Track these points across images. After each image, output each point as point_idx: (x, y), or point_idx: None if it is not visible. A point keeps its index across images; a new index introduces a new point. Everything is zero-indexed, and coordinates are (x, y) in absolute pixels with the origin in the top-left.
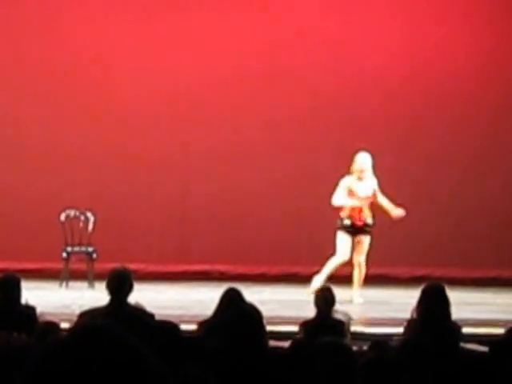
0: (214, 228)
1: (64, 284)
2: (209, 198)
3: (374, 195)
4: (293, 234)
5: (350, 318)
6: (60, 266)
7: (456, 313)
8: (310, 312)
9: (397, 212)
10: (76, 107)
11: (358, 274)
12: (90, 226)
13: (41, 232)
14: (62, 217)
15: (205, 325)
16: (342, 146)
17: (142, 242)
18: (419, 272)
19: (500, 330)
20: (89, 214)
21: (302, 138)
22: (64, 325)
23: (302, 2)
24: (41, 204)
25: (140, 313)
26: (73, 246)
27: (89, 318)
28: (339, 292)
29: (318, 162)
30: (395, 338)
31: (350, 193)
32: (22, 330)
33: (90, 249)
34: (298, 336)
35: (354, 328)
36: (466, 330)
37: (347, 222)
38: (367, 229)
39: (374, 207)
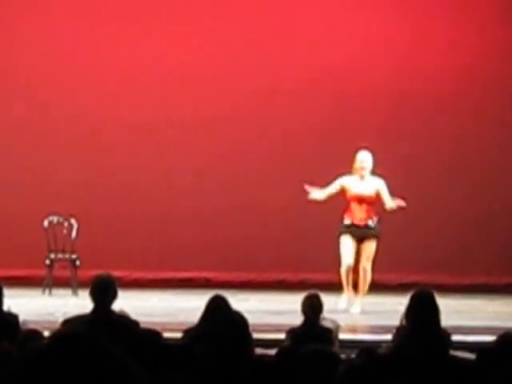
0: (199, 235)
1: (47, 291)
2: (194, 205)
3: (377, 195)
4: (279, 242)
5: (337, 326)
6: (43, 273)
7: (445, 320)
8: (297, 319)
9: (390, 204)
10: (59, 114)
11: (362, 281)
12: (74, 233)
13: (24, 238)
14: (45, 223)
15: (190, 333)
16: (330, 150)
17: (127, 248)
18: (408, 279)
19: (490, 338)
20: (72, 221)
21: (287, 150)
22: (47, 333)
23: (296, 11)
24: (24, 210)
25: (124, 320)
26: (56, 252)
27: (72, 325)
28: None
29: (304, 169)
30: (384, 345)
31: (343, 191)
32: (4, 337)
33: (74, 256)
34: (285, 344)
35: (342, 335)
36: (455, 337)
37: (347, 221)
38: (369, 232)
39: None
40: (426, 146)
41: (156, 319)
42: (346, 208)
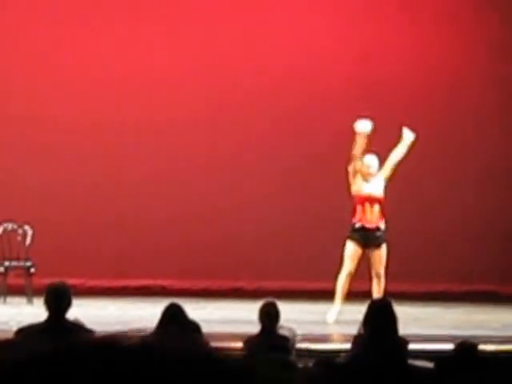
0: (155, 242)
1: (1, 299)
2: (149, 213)
3: (384, 195)
4: (234, 250)
5: (294, 334)
6: None
7: (404, 328)
8: (255, 328)
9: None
10: (11, 118)
11: (378, 287)
12: (28, 240)
13: None
14: None
15: (146, 341)
16: (299, 151)
17: (82, 256)
18: (367, 287)
19: (448, 346)
20: (27, 228)
21: (246, 155)
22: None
23: (259, 18)
24: None
25: (78, 329)
26: (10, 260)
27: (26, 334)
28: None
29: (266, 174)
30: (342, 354)
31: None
32: None
33: (28, 263)
34: (242, 352)
35: (299, 345)
36: (413, 345)
37: (358, 224)
38: (379, 234)
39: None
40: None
41: (111, 328)
42: (353, 211)
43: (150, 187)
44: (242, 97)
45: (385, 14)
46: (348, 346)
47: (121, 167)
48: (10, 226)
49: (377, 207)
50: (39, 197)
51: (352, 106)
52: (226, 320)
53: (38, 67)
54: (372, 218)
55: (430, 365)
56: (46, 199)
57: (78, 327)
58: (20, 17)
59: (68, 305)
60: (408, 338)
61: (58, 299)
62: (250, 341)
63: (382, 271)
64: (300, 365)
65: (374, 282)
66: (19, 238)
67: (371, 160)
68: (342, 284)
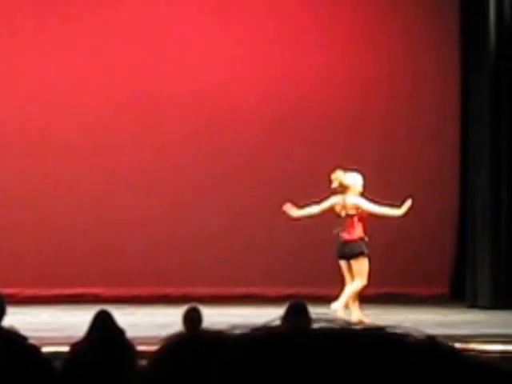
0: (87, 251)
1: None
2: (82, 221)
3: (360, 210)
4: (163, 257)
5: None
6: None
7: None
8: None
9: (403, 210)
10: None
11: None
12: None
13: None
14: None
15: (76, 346)
16: (206, 171)
17: (17, 266)
18: (287, 291)
19: None
20: None
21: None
22: None
23: (192, 33)
24: None
25: (14, 336)
26: None
27: None
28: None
29: (176, 193)
30: None
31: (332, 209)
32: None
33: None
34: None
35: None
36: None
37: (341, 239)
38: (355, 246)
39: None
40: (307, 158)
41: (44, 334)
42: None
43: (81, 198)
44: (159, 108)
45: (301, 34)
46: None
47: (54, 179)
48: None
49: (355, 220)
50: None
51: (268, 125)
52: (154, 325)
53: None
54: (349, 231)
55: None
56: None
57: (12, 334)
58: None
59: (1, 314)
60: None
61: None
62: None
63: (356, 283)
64: None
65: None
66: None
67: (352, 177)
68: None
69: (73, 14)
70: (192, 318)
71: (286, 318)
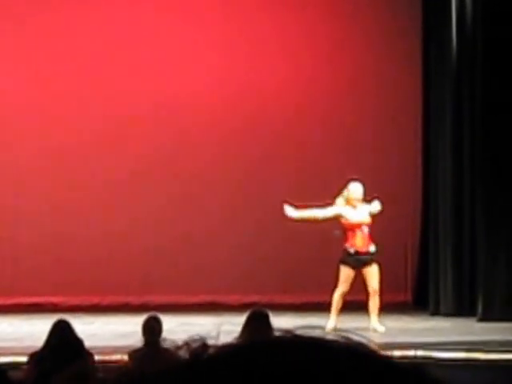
0: (46, 261)
1: None
2: (39, 230)
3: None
4: (123, 265)
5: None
6: None
7: None
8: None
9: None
10: None
11: (374, 302)
12: None
13: None
14: None
15: (35, 356)
16: (172, 181)
17: None
18: (249, 299)
19: None
20: None
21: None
22: None
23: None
24: None
25: None
26: None
27: None
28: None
29: (137, 203)
30: None
31: (339, 217)
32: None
33: None
34: (127, 365)
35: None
36: None
37: (351, 250)
38: (370, 257)
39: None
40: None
41: (3, 344)
42: (346, 237)
43: (38, 207)
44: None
45: (260, 47)
46: None
47: (15, 187)
48: None
49: (366, 232)
50: None
51: (223, 139)
52: (114, 334)
53: None
54: (363, 242)
55: None
56: None
57: None
58: None
59: None
60: None
61: None
62: (134, 353)
63: (377, 286)
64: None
65: (371, 298)
66: None
67: (355, 187)
68: (336, 301)
69: (68, 16)
70: (152, 329)
71: (246, 327)
